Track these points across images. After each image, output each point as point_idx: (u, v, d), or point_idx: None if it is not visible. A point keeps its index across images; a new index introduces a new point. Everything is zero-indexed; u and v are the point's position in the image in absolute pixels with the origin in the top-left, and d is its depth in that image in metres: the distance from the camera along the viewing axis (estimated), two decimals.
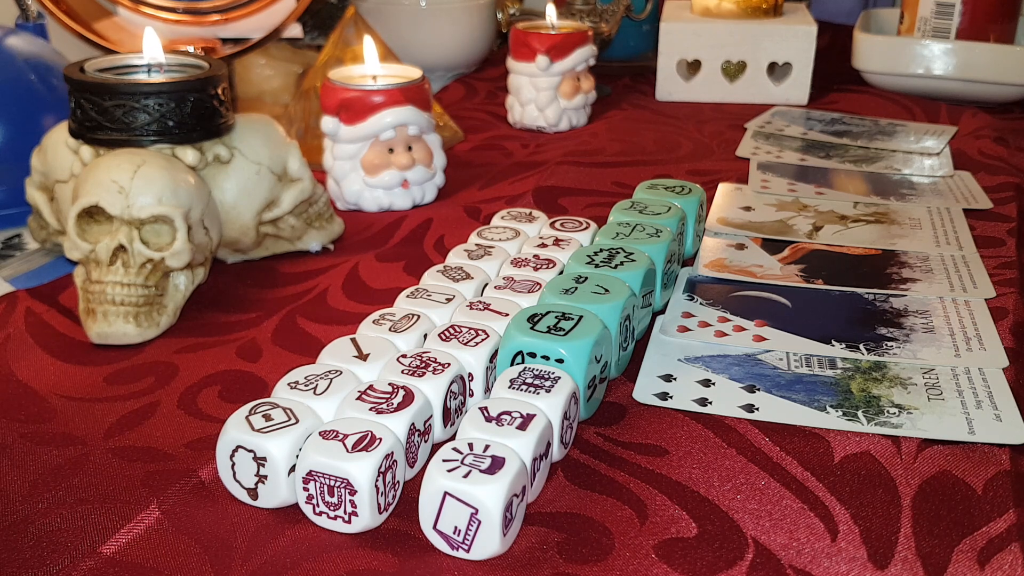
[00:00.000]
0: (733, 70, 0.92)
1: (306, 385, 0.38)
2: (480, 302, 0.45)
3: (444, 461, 0.33)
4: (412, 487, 0.37)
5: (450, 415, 0.39)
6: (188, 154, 0.51)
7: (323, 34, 0.98)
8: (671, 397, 0.43)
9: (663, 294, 0.50)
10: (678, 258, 0.53)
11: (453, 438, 0.37)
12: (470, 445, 0.34)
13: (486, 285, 0.48)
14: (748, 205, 0.66)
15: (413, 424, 0.36)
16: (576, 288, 0.43)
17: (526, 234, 0.54)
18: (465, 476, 0.32)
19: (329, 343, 0.42)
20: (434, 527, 0.33)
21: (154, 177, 0.48)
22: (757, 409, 0.42)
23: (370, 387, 0.38)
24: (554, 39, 0.80)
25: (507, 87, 0.85)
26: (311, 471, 0.34)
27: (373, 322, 0.43)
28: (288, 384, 0.38)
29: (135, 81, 0.51)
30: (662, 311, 0.51)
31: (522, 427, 0.35)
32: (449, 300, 0.45)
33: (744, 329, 0.49)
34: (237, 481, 0.36)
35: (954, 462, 0.39)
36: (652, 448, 0.40)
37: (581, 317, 0.41)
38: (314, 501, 0.34)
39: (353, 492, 0.33)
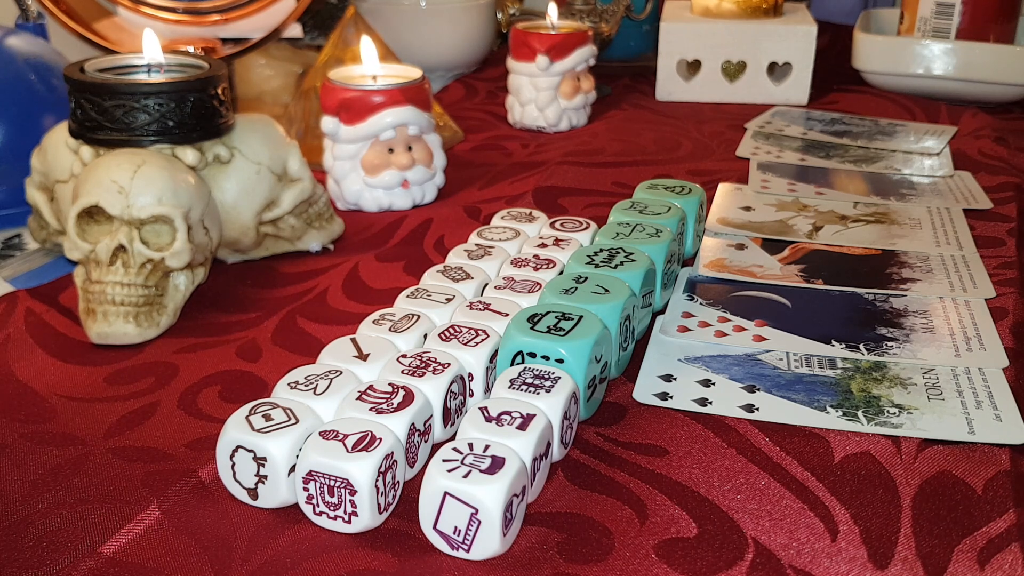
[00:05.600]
0: (733, 70, 0.92)
1: (306, 385, 0.38)
2: (480, 302, 0.45)
3: (444, 461, 0.33)
4: (412, 487, 0.37)
5: (450, 415, 0.39)
6: (188, 154, 0.51)
7: (323, 34, 0.99)
8: (671, 397, 0.43)
9: (663, 294, 0.50)
10: (678, 258, 0.53)
11: (453, 438, 0.37)
12: (470, 445, 0.34)
13: (486, 285, 0.48)
14: (748, 205, 0.66)
15: (413, 424, 0.36)
16: (576, 288, 0.43)
17: (526, 234, 0.54)
18: (465, 476, 0.32)
19: (329, 343, 0.42)
20: (434, 527, 0.33)
21: (154, 177, 0.48)
22: (757, 409, 0.42)
23: (370, 387, 0.38)
24: (554, 39, 0.80)
25: (507, 87, 0.85)
26: (311, 471, 0.34)
27: (373, 322, 0.43)
28: (288, 384, 0.38)
29: (135, 81, 0.51)
30: (662, 311, 0.51)
31: (522, 427, 0.35)
32: (449, 300, 0.45)
33: (744, 329, 0.49)
34: (237, 481, 0.36)
35: (954, 462, 0.39)
36: (652, 448, 0.40)
37: (581, 317, 0.41)
38: (314, 501, 0.34)
39: (353, 492, 0.33)
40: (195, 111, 0.52)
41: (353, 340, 0.42)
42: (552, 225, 0.55)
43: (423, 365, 0.39)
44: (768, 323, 0.49)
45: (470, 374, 0.41)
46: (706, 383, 0.44)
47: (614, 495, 0.37)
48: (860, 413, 0.41)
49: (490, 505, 0.32)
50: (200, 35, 0.80)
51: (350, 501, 0.34)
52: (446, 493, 0.32)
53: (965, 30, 0.90)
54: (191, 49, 0.72)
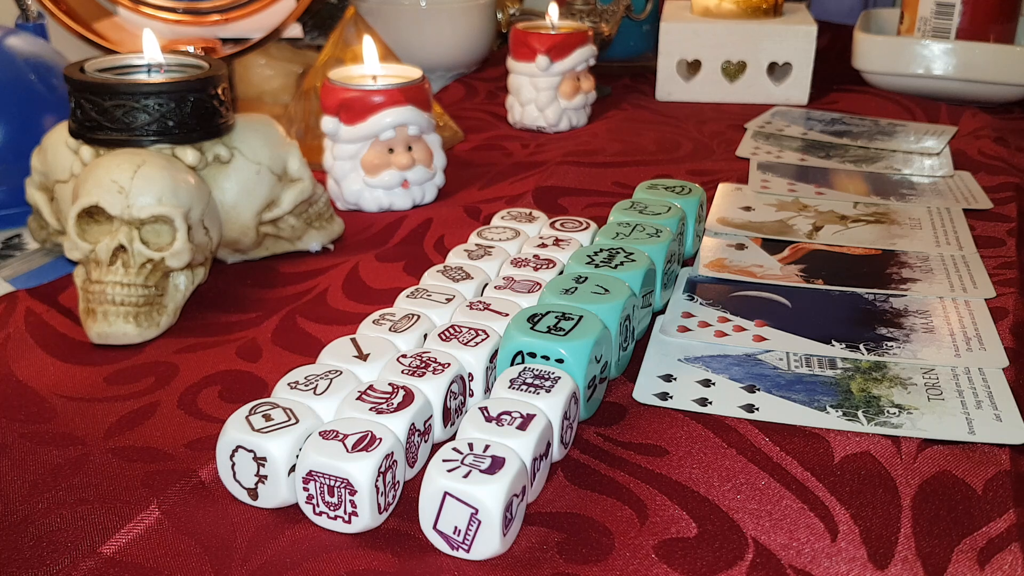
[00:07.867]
0: (733, 70, 0.92)
1: (306, 385, 0.38)
2: (480, 302, 0.45)
3: (444, 461, 0.33)
4: (412, 487, 0.37)
5: (450, 415, 0.39)
6: (188, 154, 0.51)
7: (323, 34, 0.98)
8: (671, 397, 0.43)
9: (663, 294, 0.50)
10: (678, 258, 0.53)
11: (453, 438, 0.37)
12: (470, 445, 0.34)
13: (486, 285, 0.48)
14: (748, 205, 0.66)
15: (413, 424, 0.36)
16: (576, 288, 0.43)
17: (526, 234, 0.54)
18: (465, 476, 0.32)
19: (329, 343, 0.42)
20: (434, 527, 0.33)
21: (154, 177, 0.48)
22: (757, 409, 0.42)
23: (370, 387, 0.38)
24: (554, 39, 0.80)
25: (507, 87, 0.85)
26: (311, 471, 0.34)
27: (373, 322, 0.43)
28: (288, 384, 0.38)
29: (135, 81, 0.51)
30: (662, 311, 0.51)
31: (522, 427, 0.35)
32: (449, 300, 0.45)
33: (744, 329, 0.49)
34: (237, 481, 0.36)
35: (954, 462, 0.39)
36: (652, 448, 0.40)
37: (581, 317, 0.41)
38: (314, 501, 0.34)
39: (353, 492, 0.33)
40: (195, 111, 0.52)
41: (353, 340, 0.42)
42: (552, 225, 0.55)
43: (423, 365, 0.39)
44: (768, 323, 0.49)
45: (470, 374, 0.41)
46: (706, 383, 0.44)
47: (614, 495, 0.37)
48: (860, 413, 0.41)
49: (490, 505, 0.32)
50: (200, 35, 0.80)
51: (350, 501, 0.34)
52: (446, 493, 0.32)
53: (965, 30, 0.90)
54: (191, 49, 0.72)
